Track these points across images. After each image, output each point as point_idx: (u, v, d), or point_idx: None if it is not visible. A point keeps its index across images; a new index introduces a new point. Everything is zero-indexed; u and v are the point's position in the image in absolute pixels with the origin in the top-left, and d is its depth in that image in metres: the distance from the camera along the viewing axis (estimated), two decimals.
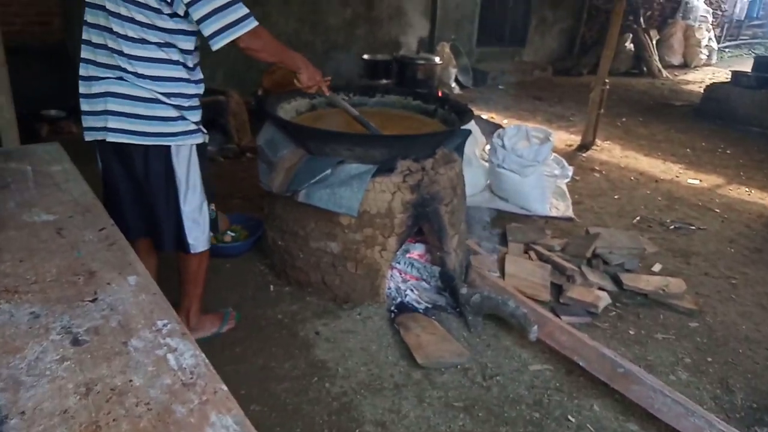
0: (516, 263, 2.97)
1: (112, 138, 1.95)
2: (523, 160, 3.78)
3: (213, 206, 2.30)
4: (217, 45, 1.85)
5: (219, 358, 2.34)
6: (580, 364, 2.28)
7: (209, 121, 4.76)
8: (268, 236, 2.96)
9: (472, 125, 4.36)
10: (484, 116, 6.28)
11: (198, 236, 2.20)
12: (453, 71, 7.54)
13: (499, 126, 5.49)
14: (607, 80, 5.25)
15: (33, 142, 4.99)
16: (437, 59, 6.01)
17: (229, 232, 3.17)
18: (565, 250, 3.20)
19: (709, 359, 2.54)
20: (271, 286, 2.86)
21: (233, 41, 1.86)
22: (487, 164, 4.13)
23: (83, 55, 1.94)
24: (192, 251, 2.21)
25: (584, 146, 5.40)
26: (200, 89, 2.09)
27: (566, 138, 5.78)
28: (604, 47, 5.25)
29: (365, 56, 6.18)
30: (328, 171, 2.56)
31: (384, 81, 6.08)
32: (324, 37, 6.91)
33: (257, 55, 1.99)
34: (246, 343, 2.45)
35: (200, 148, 2.13)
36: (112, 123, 1.92)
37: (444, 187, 2.74)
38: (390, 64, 6.07)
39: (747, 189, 4.70)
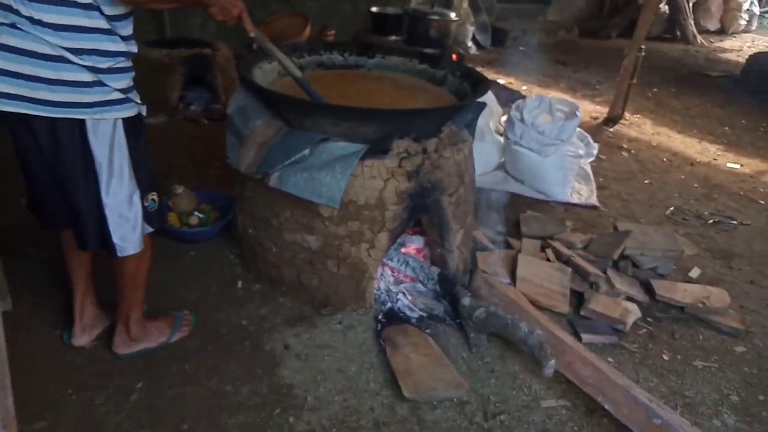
0: (530, 264, 2.51)
1: (5, 106, 1.47)
2: (544, 137, 3.26)
3: (154, 195, 1.84)
4: None
5: (163, 377, 1.93)
6: (606, 407, 1.84)
7: (193, 78, 4.29)
8: (238, 221, 2.51)
9: (487, 95, 3.84)
10: (502, 81, 5.72)
11: (126, 235, 1.75)
12: (470, 29, 6.89)
13: (517, 94, 4.96)
14: (642, 46, 4.65)
15: None
16: (453, 15, 5.40)
17: (196, 213, 2.71)
18: (588, 248, 2.73)
19: (761, 398, 2.09)
20: (239, 282, 2.43)
21: None
22: (502, 139, 3.62)
23: None
24: (119, 254, 1.76)
25: (611, 119, 4.84)
26: (130, 47, 1.61)
27: (591, 109, 5.21)
28: (640, 8, 4.64)
29: (374, 9, 5.58)
30: (306, 151, 2.08)
31: (393, 37, 5.51)
32: None
33: (151, 7, 1.66)
34: (199, 357, 2.02)
35: (131, 122, 1.66)
36: (4, 86, 1.45)
37: (449, 174, 2.26)
38: (401, 18, 5.47)
39: None
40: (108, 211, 1.69)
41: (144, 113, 1.76)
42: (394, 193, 2.14)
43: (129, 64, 1.65)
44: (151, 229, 1.86)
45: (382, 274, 2.45)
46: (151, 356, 2.00)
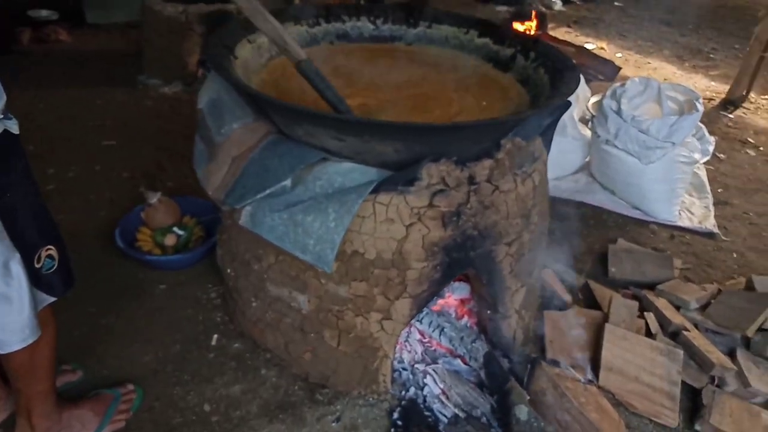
0: (622, 343, 1.73)
1: None
2: (649, 138, 2.40)
3: (51, 250, 1.21)
4: None
5: None
6: None
7: None
8: (218, 254, 1.86)
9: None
10: (591, 46, 4.75)
11: (8, 322, 1.16)
12: None
13: (611, 65, 4.00)
14: None
15: (9, 51, 4.08)
16: None
17: (174, 230, 2.09)
18: (708, 311, 1.91)
19: None
20: (215, 337, 1.80)
21: None
22: (588, 133, 2.78)
23: None
24: (0, 351, 1.18)
25: (732, 102, 3.81)
26: None
27: (705, 86, 4.18)
28: None
29: None
30: (287, 182, 1.39)
31: None
32: None
33: None
34: None
35: None
36: None
37: (507, 216, 1.50)
38: None
39: None
40: None
41: (15, 130, 1.11)
42: (421, 246, 1.42)
43: None
44: (51, 299, 1.25)
45: (407, 339, 1.76)
46: None
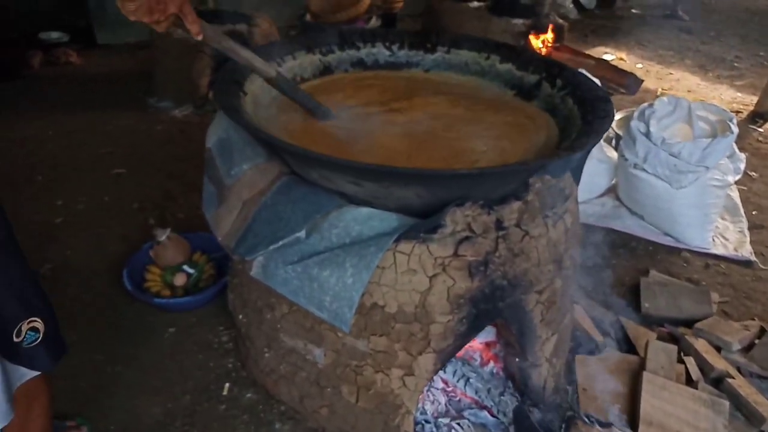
0: (662, 394, 1.60)
1: None
2: (681, 162, 2.28)
3: (36, 321, 1.12)
4: None
5: None
6: None
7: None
8: (229, 298, 1.77)
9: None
10: (609, 56, 4.62)
11: None
12: None
13: (632, 78, 3.87)
14: None
15: (20, 75, 4.04)
16: None
17: (184, 268, 2.00)
18: (751, 354, 1.79)
19: None
20: (227, 385, 1.71)
21: None
22: (614, 155, 2.65)
23: None
24: None
25: (760, 115, 3.66)
26: None
27: (730, 98, 4.03)
28: None
29: None
30: (301, 233, 1.29)
31: (475, 3, 4.53)
32: None
33: None
34: None
35: None
36: None
37: (538, 263, 1.40)
38: None
39: None
40: None
41: None
42: (446, 298, 1.32)
43: None
44: (34, 373, 1.17)
45: (429, 389, 1.66)
46: None
